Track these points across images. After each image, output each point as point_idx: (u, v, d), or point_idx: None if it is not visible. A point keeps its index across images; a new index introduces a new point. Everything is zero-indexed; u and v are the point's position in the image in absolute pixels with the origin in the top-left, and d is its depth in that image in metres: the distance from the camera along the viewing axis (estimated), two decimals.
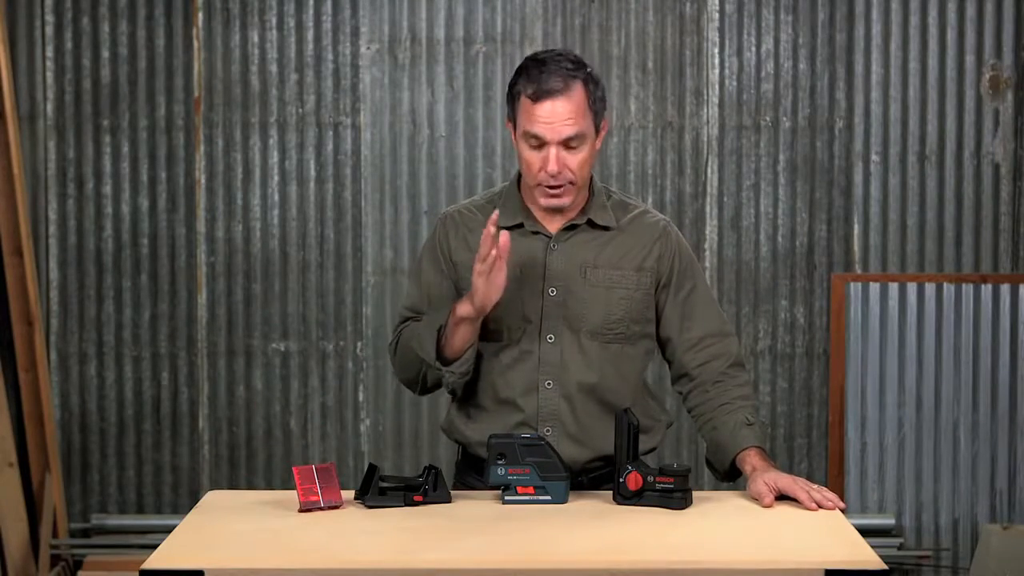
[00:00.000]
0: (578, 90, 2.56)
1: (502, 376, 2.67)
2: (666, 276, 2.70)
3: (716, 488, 3.44)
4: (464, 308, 2.57)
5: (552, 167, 2.55)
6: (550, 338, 2.64)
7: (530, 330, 2.65)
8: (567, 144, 2.56)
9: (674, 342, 2.72)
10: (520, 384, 2.66)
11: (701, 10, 4.75)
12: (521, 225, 2.67)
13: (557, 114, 2.54)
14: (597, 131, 2.63)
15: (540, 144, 2.56)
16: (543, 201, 2.62)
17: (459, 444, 2.80)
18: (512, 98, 2.63)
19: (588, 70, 2.60)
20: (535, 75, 2.56)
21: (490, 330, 2.66)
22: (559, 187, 2.59)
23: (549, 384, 2.65)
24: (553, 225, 2.68)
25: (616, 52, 4.75)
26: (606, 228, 2.68)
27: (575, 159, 2.58)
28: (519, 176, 2.72)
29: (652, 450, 2.74)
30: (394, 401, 4.81)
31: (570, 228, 2.67)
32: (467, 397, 2.74)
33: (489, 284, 2.51)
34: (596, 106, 2.60)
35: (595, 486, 2.66)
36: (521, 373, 2.66)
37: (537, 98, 2.55)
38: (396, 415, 4.81)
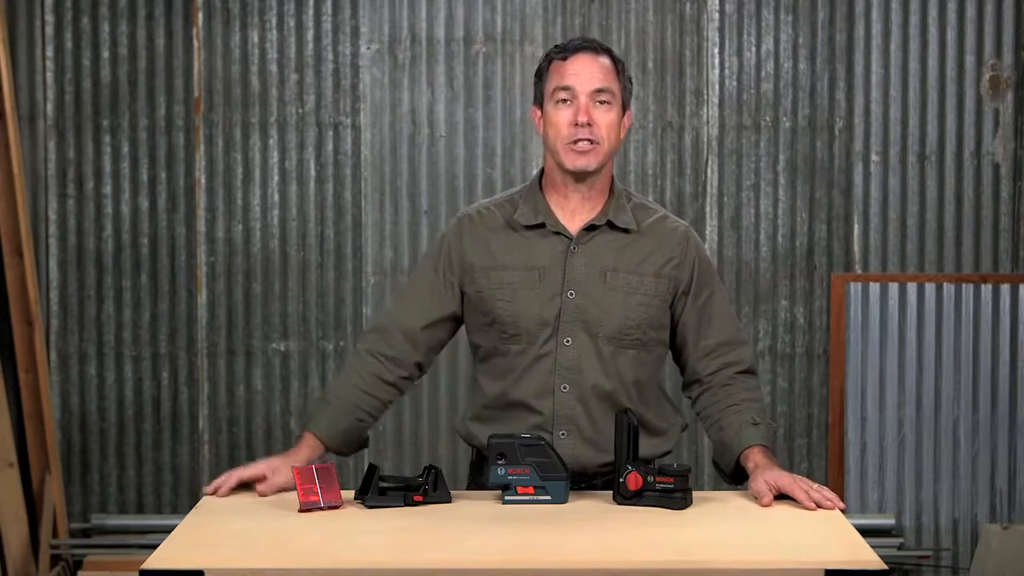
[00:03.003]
0: (607, 58, 2.66)
1: (518, 379, 2.66)
2: (685, 283, 2.69)
3: (716, 488, 3.44)
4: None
5: (583, 116, 2.58)
6: (567, 341, 2.63)
7: (547, 332, 2.63)
8: (597, 99, 2.60)
9: (688, 349, 2.72)
10: (536, 387, 2.64)
11: (701, 10, 4.75)
12: (543, 225, 2.67)
13: (587, 67, 2.62)
14: (623, 109, 2.66)
15: (570, 98, 2.60)
16: (570, 162, 2.61)
17: (473, 447, 2.79)
18: (540, 75, 2.68)
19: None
20: (564, 44, 2.67)
21: (507, 332, 2.66)
22: (588, 143, 2.59)
23: (565, 388, 2.64)
24: (574, 225, 2.66)
25: (616, 52, 4.74)
26: (626, 231, 2.67)
27: (605, 117, 2.61)
28: (541, 174, 2.72)
29: (667, 453, 2.73)
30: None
31: (590, 229, 2.66)
32: (482, 400, 2.73)
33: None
34: (623, 81, 2.67)
35: (609, 487, 2.64)
36: (537, 376, 2.64)
37: (568, 55, 2.63)
38: (396, 415, 4.80)
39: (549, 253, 2.65)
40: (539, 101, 2.68)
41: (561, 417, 2.64)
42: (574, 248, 2.65)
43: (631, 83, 2.70)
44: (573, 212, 2.67)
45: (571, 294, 2.63)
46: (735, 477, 2.64)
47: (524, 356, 2.65)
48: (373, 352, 2.70)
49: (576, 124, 2.58)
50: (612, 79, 2.62)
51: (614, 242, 2.66)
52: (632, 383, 2.66)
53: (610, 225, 2.66)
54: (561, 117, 2.60)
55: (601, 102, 2.60)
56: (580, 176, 2.63)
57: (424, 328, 2.71)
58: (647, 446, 2.64)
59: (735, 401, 2.65)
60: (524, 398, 2.65)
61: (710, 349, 2.70)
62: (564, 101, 2.61)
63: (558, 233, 2.66)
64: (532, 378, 2.65)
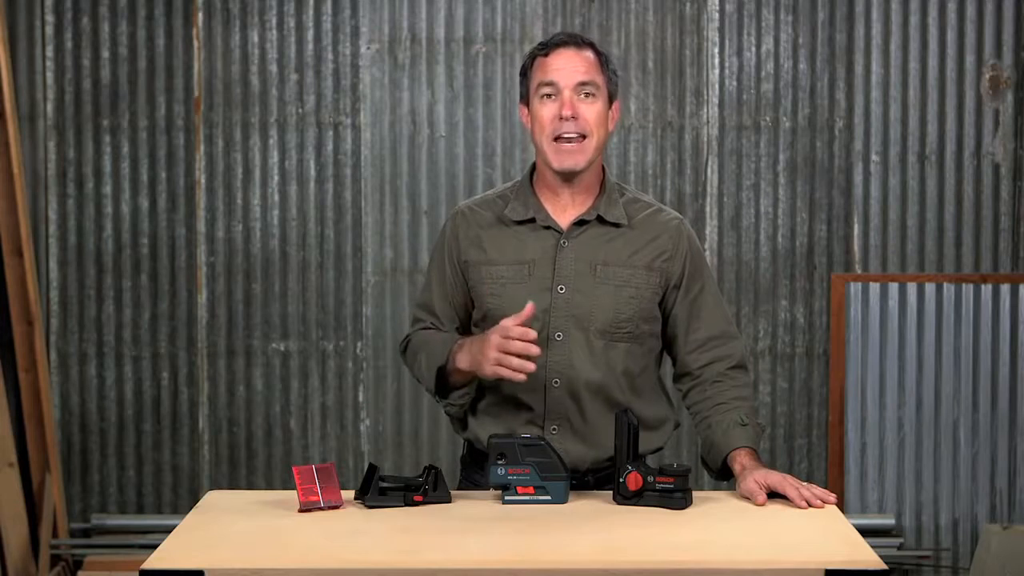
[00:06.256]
0: (589, 51, 2.65)
1: None
2: (677, 277, 2.70)
3: (716, 488, 3.43)
4: (462, 361, 2.58)
5: (567, 110, 2.58)
6: (558, 336, 2.64)
7: (537, 328, 2.62)
8: (581, 92, 2.60)
9: (679, 342, 2.73)
10: (527, 382, 2.63)
11: (701, 10, 4.75)
12: (532, 220, 2.68)
13: (570, 61, 2.62)
14: (610, 102, 2.66)
15: (554, 92, 2.61)
16: (557, 162, 2.61)
17: (466, 440, 2.80)
18: (524, 73, 2.69)
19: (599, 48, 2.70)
20: (547, 40, 2.68)
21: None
22: (574, 139, 2.59)
23: (556, 383, 2.64)
24: (564, 220, 2.67)
25: (616, 52, 4.75)
26: (616, 225, 2.68)
27: (590, 110, 2.61)
28: (532, 170, 2.73)
29: (659, 449, 2.74)
30: (394, 401, 4.81)
31: (580, 223, 2.67)
32: (475, 395, 2.74)
33: (496, 364, 2.50)
34: (608, 74, 2.66)
35: (600, 486, 2.65)
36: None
37: (550, 51, 2.63)
38: (396, 415, 4.81)
39: (539, 247, 2.66)
40: (525, 99, 2.69)
41: (552, 412, 2.65)
42: (564, 242, 2.66)
43: (616, 75, 2.69)
44: (564, 207, 2.68)
45: (561, 288, 2.64)
46: (722, 474, 2.66)
47: None
48: (430, 328, 2.76)
49: (560, 118, 2.59)
50: (596, 71, 2.63)
51: (604, 235, 2.67)
52: (625, 377, 2.67)
53: (600, 220, 2.67)
54: (546, 112, 2.61)
55: (586, 95, 2.61)
56: (568, 176, 2.64)
57: (456, 309, 2.78)
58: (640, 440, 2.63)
59: (724, 399, 2.66)
60: (515, 393, 2.66)
61: (700, 343, 2.70)
62: (548, 96, 2.62)
63: (548, 228, 2.67)
64: None
